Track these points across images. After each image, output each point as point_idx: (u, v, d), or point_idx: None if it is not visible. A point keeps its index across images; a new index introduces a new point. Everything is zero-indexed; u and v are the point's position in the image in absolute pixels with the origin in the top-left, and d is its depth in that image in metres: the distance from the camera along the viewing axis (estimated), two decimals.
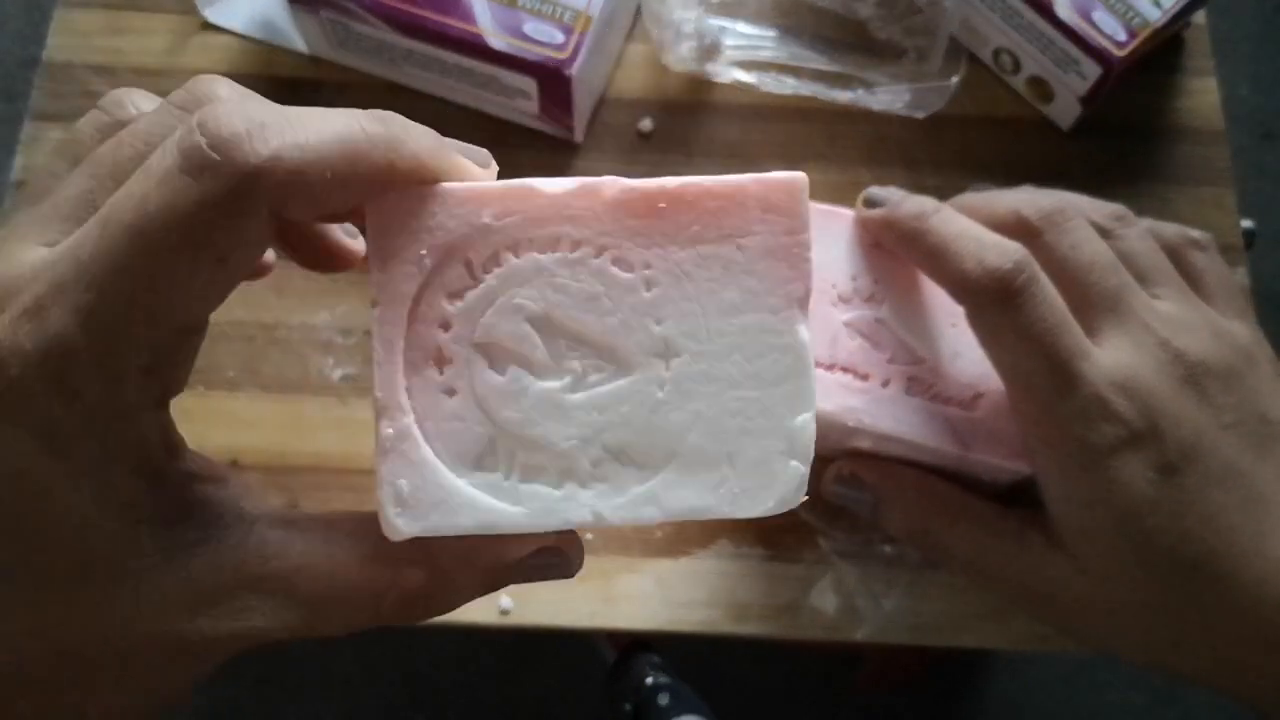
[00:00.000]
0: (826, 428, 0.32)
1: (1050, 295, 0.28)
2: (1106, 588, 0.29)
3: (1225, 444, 0.28)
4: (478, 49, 0.40)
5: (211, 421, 0.40)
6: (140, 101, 0.22)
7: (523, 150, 0.44)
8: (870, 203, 0.32)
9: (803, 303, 0.23)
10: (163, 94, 0.47)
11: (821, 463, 0.35)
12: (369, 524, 0.22)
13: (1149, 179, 0.46)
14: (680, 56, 0.44)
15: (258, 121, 0.19)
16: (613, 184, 0.23)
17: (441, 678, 0.96)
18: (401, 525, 0.22)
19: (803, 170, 0.23)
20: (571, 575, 0.24)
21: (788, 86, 0.44)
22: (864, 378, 0.32)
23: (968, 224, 0.29)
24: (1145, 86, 0.47)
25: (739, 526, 0.39)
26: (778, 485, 0.23)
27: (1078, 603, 0.29)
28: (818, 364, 0.32)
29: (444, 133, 0.23)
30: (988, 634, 0.39)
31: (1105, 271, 0.29)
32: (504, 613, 0.38)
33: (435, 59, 0.42)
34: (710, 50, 0.44)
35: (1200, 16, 0.48)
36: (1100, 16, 0.42)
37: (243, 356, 0.41)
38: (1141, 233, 0.31)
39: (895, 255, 0.32)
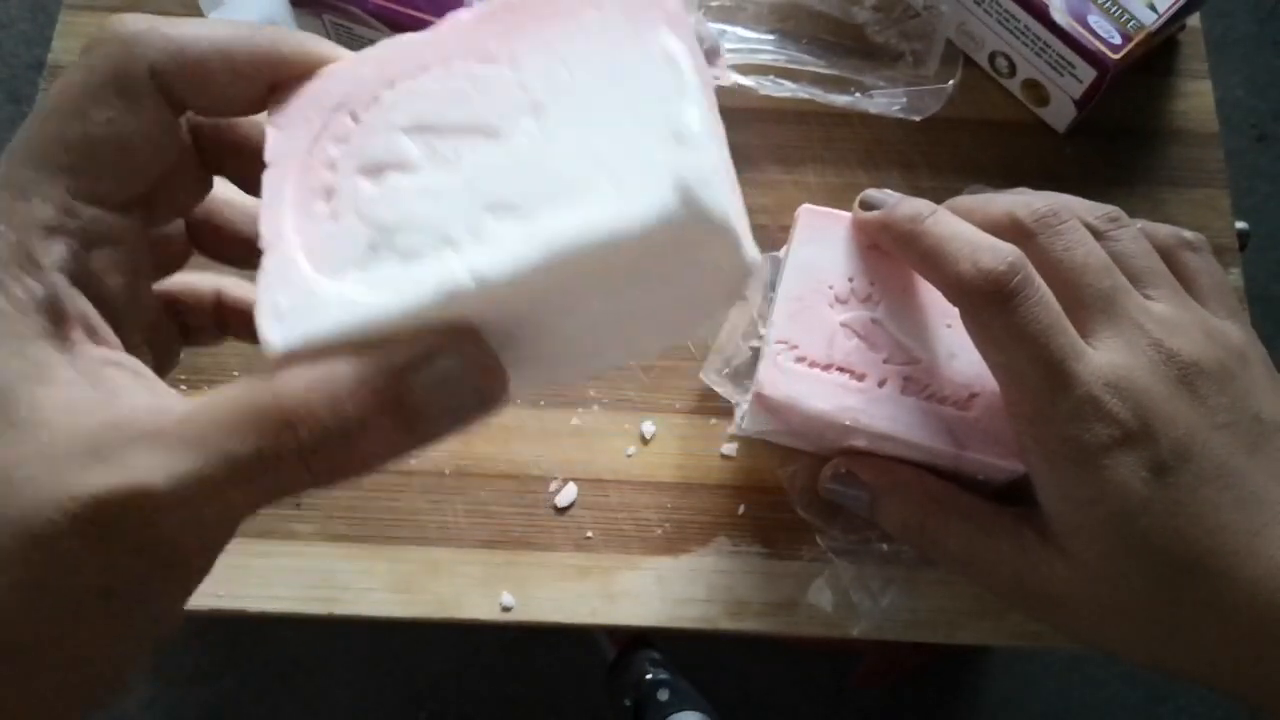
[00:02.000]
0: (823, 427, 0.33)
1: (1044, 296, 0.28)
2: (1101, 586, 0.29)
3: (1218, 443, 0.29)
4: None
5: None
6: None
7: None
8: (867, 205, 0.32)
9: (669, 22, 0.21)
10: None
11: (819, 461, 0.35)
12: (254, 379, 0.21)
13: (1144, 181, 0.46)
14: None
15: (142, 16, 0.21)
16: (471, 10, 0.23)
17: (443, 675, 0.97)
18: (276, 338, 0.21)
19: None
20: (489, 404, 0.21)
21: (786, 89, 0.45)
22: (860, 378, 0.32)
23: (962, 226, 0.30)
24: (1140, 89, 0.48)
25: (737, 524, 0.40)
26: (666, 172, 0.19)
27: (1072, 600, 0.30)
28: (814, 364, 0.32)
29: None
30: (983, 630, 0.39)
31: (1099, 273, 0.29)
32: (505, 610, 0.39)
33: None
34: (709, 54, 0.45)
35: (1195, 19, 0.49)
36: (1095, 20, 0.43)
37: (247, 356, 0.42)
38: (1135, 234, 0.32)
39: (892, 257, 0.33)
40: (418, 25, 0.41)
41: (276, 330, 0.21)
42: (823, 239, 0.33)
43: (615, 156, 0.20)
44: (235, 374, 0.41)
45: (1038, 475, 0.30)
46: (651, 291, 0.22)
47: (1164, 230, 0.33)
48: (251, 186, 0.24)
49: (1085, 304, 0.29)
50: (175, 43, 0.21)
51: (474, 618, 0.39)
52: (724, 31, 0.45)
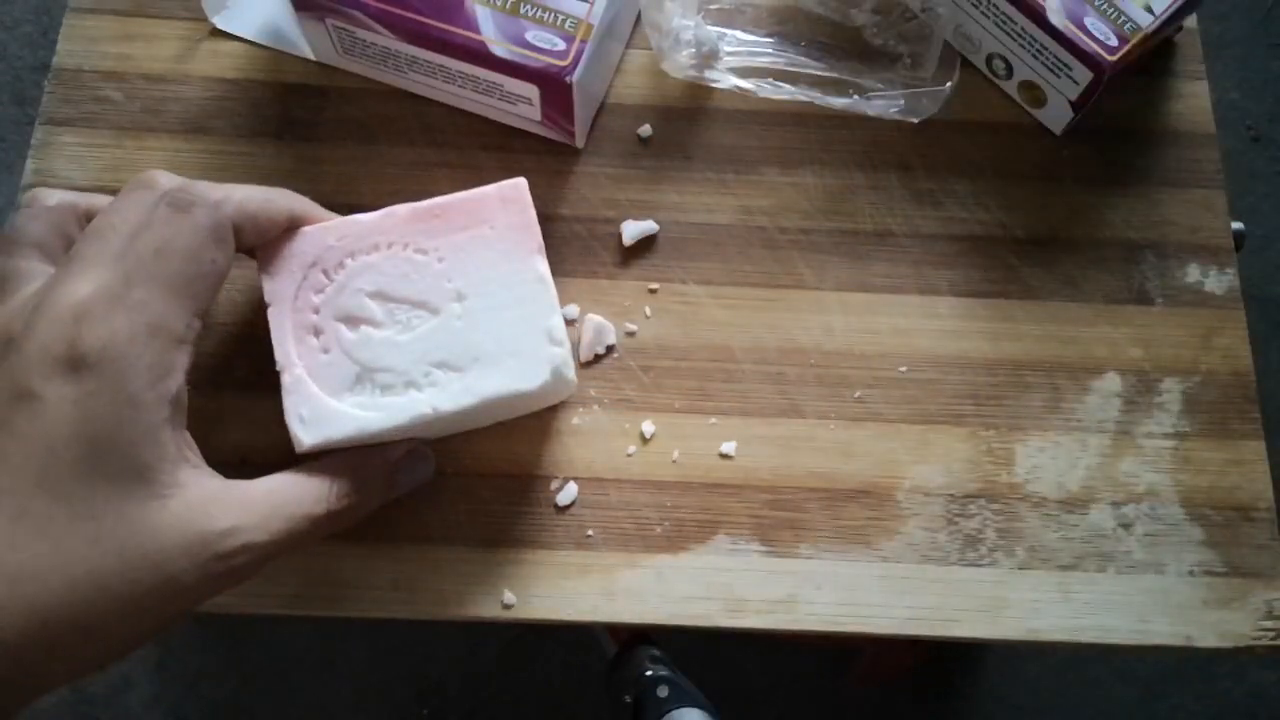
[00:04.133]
0: None
1: None
2: None
3: None
4: (481, 56, 0.41)
5: (223, 421, 0.41)
6: (51, 194, 0.34)
7: (525, 155, 0.45)
8: None
9: (539, 251, 0.37)
10: (175, 98, 0.48)
11: None
12: (304, 466, 0.34)
13: (1140, 182, 0.47)
14: (679, 63, 0.45)
15: (207, 184, 0.32)
16: (404, 207, 0.37)
17: (445, 672, 0.97)
18: (305, 438, 0.34)
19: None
20: (431, 475, 0.38)
21: (784, 92, 0.45)
22: None
23: None
24: (1137, 90, 0.48)
25: (737, 522, 0.40)
26: (546, 362, 0.36)
27: None
28: None
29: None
30: (979, 626, 0.40)
31: None
32: (506, 607, 0.39)
33: (439, 66, 0.43)
34: (708, 57, 0.45)
35: (1191, 21, 0.49)
36: (1092, 22, 0.43)
37: (253, 356, 0.42)
38: None
39: None
40: (422, 30, 0.41)
41: (303, 432, 0.34)
42: None
43: (516, 343, 0.36)
44: (241, 374, 0.42)
45: None
46: (518, 404, 0.38)
47: None
48: None
49: None
50: (241, 206, 0.33)
51: (475, 616, 0.39)
52: (723, 35, 0.46)
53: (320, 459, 0.34)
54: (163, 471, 0.28)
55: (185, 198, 0.30)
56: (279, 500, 0.31)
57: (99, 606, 0.27)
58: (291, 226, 0.35)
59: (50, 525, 0.27)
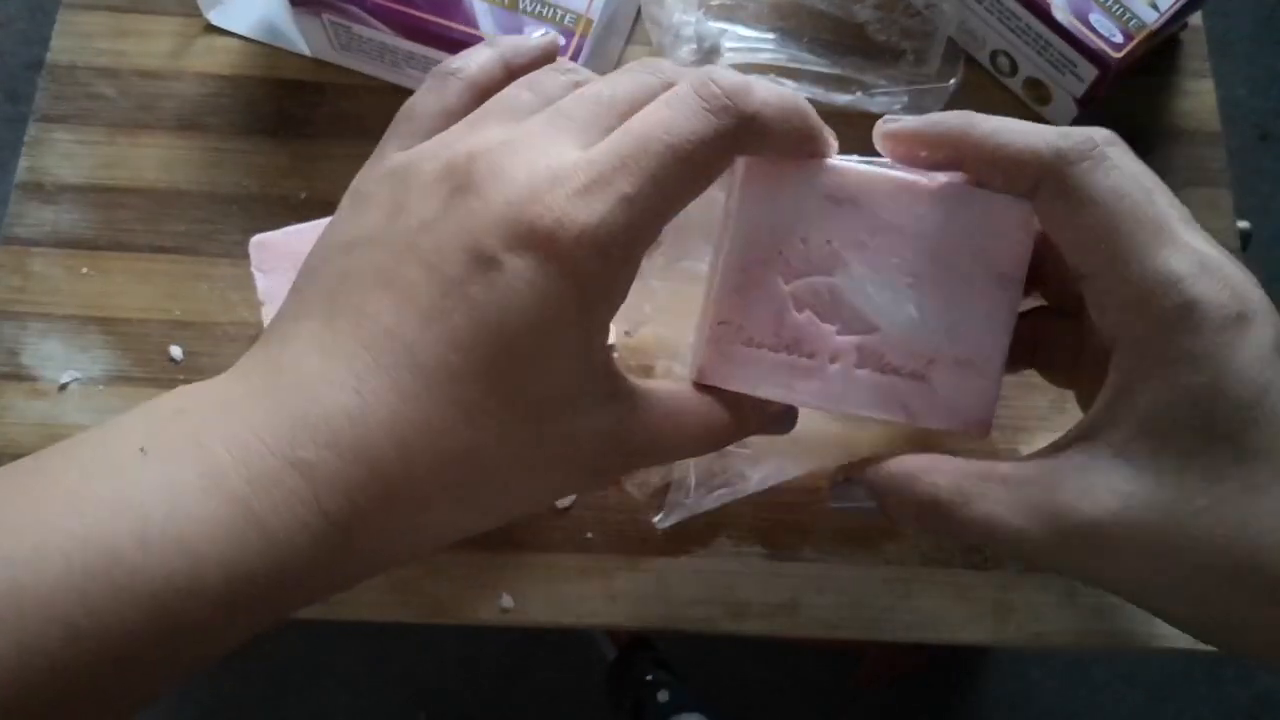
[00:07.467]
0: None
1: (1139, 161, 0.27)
2: (1168, 491, 0.26)
3: None
4: None
5: None
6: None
7: None
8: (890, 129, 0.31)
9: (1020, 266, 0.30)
10: (169, 94, 0.47)
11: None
12: (701, 393, 0.30)
13: None
14: (680, 59, 0.44)
15: (745, 80, 0.26)
16: (918, 179, 0.30)
17: (443, 675, 0.97)
18: (711, 377, 0.30)
19: None
20: (788, 432, 0.33)
21: (787, 89, 0.45)
22: (809, 355, 0.30)
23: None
24: (1142, 88, 0.48)
25: (738, 525, 0.40)
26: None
27: (1124, 526, 0.27)
28: (761, 345, 0.30)
29: None
30: (984, 630, 0.39)
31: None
32: (505, 610, 0.39)
33: (436, 62, 0.42)
34: (710, 53, 0.45)
35: (1197, 18, 0.49)
36: (1097, 19, 0.43)
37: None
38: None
39: (851, 207, 0.30)
40: (419, 25, 0.41)
41: (710, 371, 0.30)
42: (773, 196, 0.29)
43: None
44: None
45: (1130, 358, 0.27)
46: None
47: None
48: None
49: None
50: (769, 127, 0.27)
51: (473, 620, 0.38)
52: (724, 30, 0.45)
53: (710, 390, 0.30)
54: (599, 384, 0.27)
55: (719, 98, 0.26)
56: (675, 426, 0.29)
57: (511, 493, 0.27)
58: (797, 153, 0.29)
59: (482, 420, 0.25)
